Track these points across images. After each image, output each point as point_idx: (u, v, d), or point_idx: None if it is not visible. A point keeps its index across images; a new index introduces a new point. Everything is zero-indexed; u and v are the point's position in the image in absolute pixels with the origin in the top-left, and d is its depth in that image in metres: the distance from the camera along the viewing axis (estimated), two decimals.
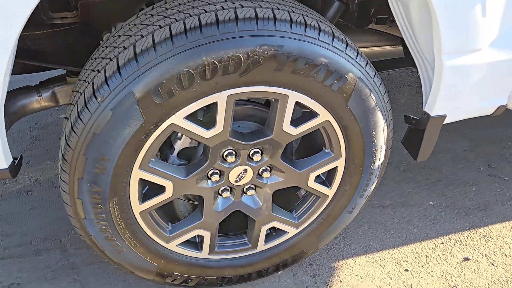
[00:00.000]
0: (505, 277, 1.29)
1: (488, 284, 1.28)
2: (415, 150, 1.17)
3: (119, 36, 0.89)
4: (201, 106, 0.89)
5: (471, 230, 1.45)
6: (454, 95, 1.05)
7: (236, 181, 1.08)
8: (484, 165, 1.74)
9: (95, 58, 0.91)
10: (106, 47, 0.90)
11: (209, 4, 0.87)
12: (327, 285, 1.28)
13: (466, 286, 1.27)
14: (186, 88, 0.84)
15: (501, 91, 1.13)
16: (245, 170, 1.06)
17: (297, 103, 0.96)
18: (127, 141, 0.87)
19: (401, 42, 1.43)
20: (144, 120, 0.85)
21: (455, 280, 1.29)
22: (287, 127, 0.99)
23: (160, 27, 0.83)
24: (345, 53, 0.91)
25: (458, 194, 1.60)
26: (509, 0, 0.96)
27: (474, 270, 1.32)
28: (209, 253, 1.17)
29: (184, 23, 0.82)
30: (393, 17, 1.24)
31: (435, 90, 1.04)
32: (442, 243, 1.41)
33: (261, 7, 0.86)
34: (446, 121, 1.12)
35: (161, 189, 1.01)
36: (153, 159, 0.95)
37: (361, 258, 1.36)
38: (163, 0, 0.93)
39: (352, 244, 1.40)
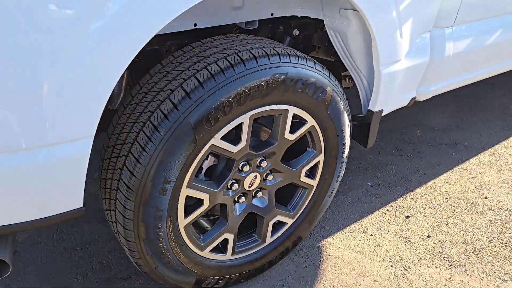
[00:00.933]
0: (436, 223, 1.75)
1: (427, 230, 1.72)
2: (365, 140, 1.57)
3: (160, 80, 1.09)
4: (232, 127, 1.14)
5: (402, 196, 1.90)
6: (388, 93, 1.47)
7: (249, 187, 1.32)
8: (394, 148, 2.25)
9: (137, 103, 1.09)
10: (148, 91, 1.09)
11: (225, 49, 1.13)
12: (320, 261, 1.58)
13: (414, 235, 1.69)
14: (226, 114, 1.08)
15: (412, 87, 1.60)
16: (255, 176, 1.32)
17: (293, 115, 1.26)
18: (183, 163, 1.07)
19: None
20: (197, 143, 1.07)
21: (405, 233, 1.70)
22: (287, 134, 1.28)
23: (197, 71, 1.07)
24: (323, 73, 1.26)
25: (384, 173, 2.06)
26: (412, 26, 1.41)
27: (415, 223, 1.76)
28: (232, 254, 1.38)
29: (217, 64, 1.07)
30: (320, 45, 1.65)
31: (376, 91, 1.45)
32: (387, 210, 1.83)
33: (264, 47, 1.16)
34: (383, 114, 1.54)
35: (199, 202, 1.21)
36: (195, 177, 1.16)
37: (336, 235, 1.69)
38: (188, 48, 1.16)
39: (325, 227, 1.73)
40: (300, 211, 1.49)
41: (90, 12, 0.81)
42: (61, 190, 0.97)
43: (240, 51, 1.11)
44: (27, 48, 0.80)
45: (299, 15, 1.48)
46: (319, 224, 1.73)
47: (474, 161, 2.15)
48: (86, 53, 0.83)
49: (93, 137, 0.93)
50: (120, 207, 1.08)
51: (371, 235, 1.70)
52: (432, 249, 1.62)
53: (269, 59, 1.12)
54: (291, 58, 1.17)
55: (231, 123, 1.12)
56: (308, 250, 1.62)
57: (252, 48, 1.13)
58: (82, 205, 1.01)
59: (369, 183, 1.99)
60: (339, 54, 1.50)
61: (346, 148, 1.46)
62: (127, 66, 0.90)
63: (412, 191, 1.94)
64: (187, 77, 1.06)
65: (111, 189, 1.10)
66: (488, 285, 1.47)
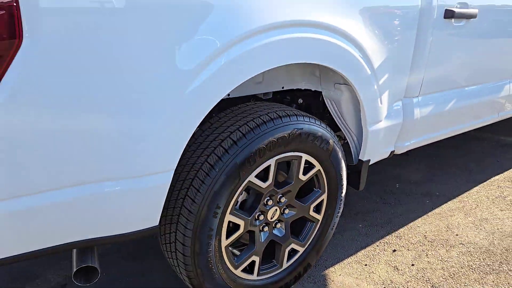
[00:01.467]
0: (417, 254, 2.11)
1: (411, 260, 2.07)
2: (357, 183, 1.97)
3: (211, 133, 1.48)
4: (263, 168, 1.52)
5: (388, 235, 2.27)
6: (373, 146, 1.91)
7: (271, 218, 1.68)
8: (378, 198, 2.65)
9: (196, 149, 1.47)
10: (203, 141, 1.48)
11: (257, 111, 1.55)
12: (325, 285, 1.89)
13: (400, 264, 2.04)
14: (261, 157, 1.48)
15: (391, 142, 2.04)
16: (276, 210, 1.68)
17: (305, 161, 1.66)
18: (230, 194, 1.44)
19: None
20: (240, 179, 1.45)
21: (393, 263, 2.05)
22: (301, 176, 1.67)
23: (240, 126, 1.47)
24: (326, 129, 1.68)
25: (372, 217, 2.44)
26: (389, 95, 1.89)
27: (400, 255, 2.11)
28: (257, 275, 1.70)
29: (254, 121, 1.48)
30: (317, 111, 2.10)
31: (364, 145, 1.88)
32: (377, 245, 2.18)
33: (285, 110, 1.59)
34: (370, 163, 1.96)
35: (236, 227, 1.56)
36: (236, 206, 1.52)
37: (336, 265, 2.03)
38: (229, 111, 1.57)
39: (327, 259, 2.07)
40: (309, 241, 1.84)
41: (186, 82, 1.22)
42: (145, 211, 1.31)
43: (269, 112, 1.53)
44: (140, 103, 1.19)
45: (302, 88, 1.94)
46: (322, 257, 2.07)
47: (445, 207, 2.56)
48: (181, 109, 1.22)
49: (174, 170, 1.30)
50: (181, 228, 1.42)
51: (366, 265, 2.03)
52: (416, 275, 1.97)
53: (289, 118, 1.54)
54: (304, 118, 1.60)
55: (262, 164, 1.51)
56: (315, 278, 1.94)
57: (277, 111, 1.56)
58: (157, 224, 1.35)
59: (360, 225, 2.35)
60: (334, 117, 1.94)
61: (343, 189, 1.85)
62: (200, 120, 1.30)
63: (396, 231, 2.31)
64: (233, 130, 1.46)
65: (172, 215, 1.44)
66: None
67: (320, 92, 1.94)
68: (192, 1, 1.20)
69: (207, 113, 1.29)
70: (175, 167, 1.30)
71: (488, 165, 3.16)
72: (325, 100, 1.94)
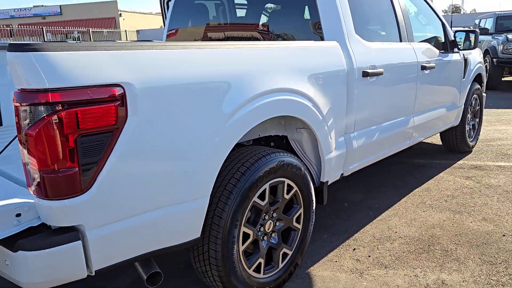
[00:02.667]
0: (371, 249, 2.81)
1: (368, 253, 2.76)
2: (321, 199, 2.66)
3: (226, 170, 2.10)
4: (262, 191, 2.16)
5: (347, 239, 2.95)
6: (329, 170, 2.63)
7: (268, 229, 2.30)
8: (334, 215, 3.35)
9: (220, 181, 2.07)
10: (223, 175, 2.08)
11: (254, 151, 2.20)
12: (310, 279, 2.50)
13: (361, 257, 2.71)
14: (260, 182, 2.11)
15: (340, 167, 2.78)
16: (270, 223, 2.31)
17: (287, 184, 2.32)
18: (243, 210, 2.04)
19: None
20: (249, 199, 2.06)
21: (356, 257, 2.72)
22: (285, 195, 2.33)
23: (244, 162, 2.11)
24: (298, 160, 2.37)
25: (332, 229, 3.11)
26: (335, 133, 2.65)
27: (359, 251, 2.79)
28: (263, 274, 2.27)
29: (253, 158, 2.13)
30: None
31: (323, 170, 2.59)
32: (341, 247, 2.85)
33: (271, 149, 2.26)
34: (328, 183, 2.67)
35: (247, 236, 2.14)
36: (246, 221, 2.12)
37: (315, 265, 2.65)
38: (234, 152, 2.20)
39: (306, 262, 2.68)
40: (295, 245, 2.46)
41: (220, 128, 1.86)
42: (193, 226, 1.88)
43: (262, 151, 2.19)
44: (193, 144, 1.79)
45: (273, 134, 2.64)
46: (303, 261, 2.68)
47: (384, 214, 3.33)
48: (217, 148, 1.85)
49: (209, 196, 1.90)
50: (213, 238, 1.98)
51: (336, 261, 2.68)
52: (372, 261, 2.65)
53: (275, 154, 2.21)
54: (283, 153, 2.28)
55: (261, 188, 2.15)
56: (301, 276, 2.54)
57: (266, 150, 2.22)
58: (200, 236, 1.91)
59: (325, 236, 3.02)
60: (297, 153, 2.65)
61: (314, 203, 2.53)
62: (223, 160, 1.92)
63: (352, 236, 3.01)
64: (240, 166, 2.09)
65: (205, 230, 2.00)
66: (405, 274, 2.52)
67: (285, 136, 2.65)
68: (224, 83, 1.88)
69: (226, 155, 1.93)
70: (210, 193, 1.90)
71: (409, 181, 4.05)
72: (290, 141, 2.65)
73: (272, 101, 2.11)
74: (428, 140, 5.58)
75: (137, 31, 27.69)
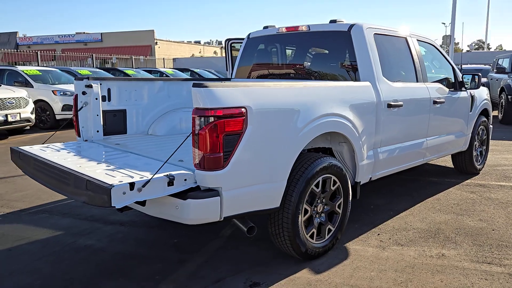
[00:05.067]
0: (391, 235, 3.78)
1: (389, 237, 3.74)
2: (355, 195, 3.67)
3: (298, 165, 3.16)
4: (316, 182, 3.19)
5: (373, 228, 3.93)
6: (361, 174, 3.66)
7: (319, 210, 3.32)
8: (363, 213, 4.34)
9: (292, 171, 3.12)
10: (295, 168, 3.14)
11: (314, 156, 3.26)
12: (346, 250, 3.49)
13: (383, 239, 3.69)
14: (317, 175, 3.15)
15: (369, 173, 3.80)
16: (321, 206, 3.33)
17: (333, 180, 3.35)
18: (306, 192, 3.08)
19: None
20: (309, 185, 3.10)
21: (379, 238, 3.70)
22: (331, 187, 3.35)
23: (307, 161, 3.17)
24: (341, 163, 3.41)
25: (362, 221, 4.10)
26: (367, 147, 3.69)
27: (382, 236, 3.77)
28: (315, 240, 3.28)
29: (313, 158, 3.18)
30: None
31: (357, 173, 3.62)
32: (368, 233, 3.84)
33: (324, 155, 3.31)
34: (361, 183, 3.69)
35: (306, 212, 3.17)
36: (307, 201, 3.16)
37: (349, 242, 3.64)
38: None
39: (342, 240, 3.67)
40: (336, 224, 3.46)
41: (296, 136, 2.93)
42: (276, 198, 2.92)
43: (318, 155, 3.25)
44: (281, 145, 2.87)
45: (321, 146, 3.69)
46: (340, 239, 3.67)
47: (402, 214, 4.30)
48: (293, 149, 2.92)
49: (286, 180, 2.95)
50: (286, 209, 3.01)
51: (365, 240, 3.67)
52: (392, 242, 3.62)
53: (327, 158, 3.26)
54: (332, 158, 3.32)
55: (317, 179, 3.19)
56: (340, 247, 3.54)
57: (322, 155, 3.27)
58: (279, 205, 2.96)
59: (356, 225, 4.01)
60: (339, 160, 3.69)
61: (350, 196, 3.54)
62: (298, 154, 2.99)
63: (376, 226, 3.99)
64: (304, 163, 3.14)
65: (281, 203, 3.04)
66: (416, 249, 3.49)
67: (330, 148, 3.71)
68: (299, 108, 2.96)
69: (298, 155, 3.00)
70: (287, 178, 2.96)
71: (423, 193, 5.01)
72: (333, 152, 3.70)
73: (326, 121, 3.19)
74: (442, 164, 6.53)
75: (174, 59, 29.56)
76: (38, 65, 17.00)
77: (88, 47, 37.81)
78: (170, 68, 24.86)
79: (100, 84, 3.75)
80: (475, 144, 5.76)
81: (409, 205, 4.58)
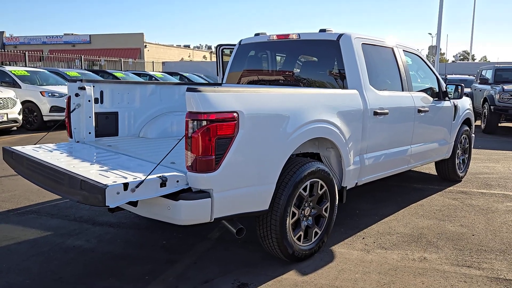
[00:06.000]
0: (376, 239, 3.89)
1: (374, 241, 3.84)
2: (341, 199, 3.78)
3: (287, 169, 3.25)
4: (304, 186, 3.29)
5: (358, 232, 4.04)
6: (348, 179, 3.76)
7: (306, 213, 3.41)
8: (348, 217, 4.45)
9: (281, 174, 3.21)
10: (284, 171, 3.23)
11: (302, 160, 3.35)
12: (332, 253, 3.58)
13: (367, 243, 3.80)
14: (304, 179, 3.24)
15: (355, 178, 3.91)
16: (308, 209, 3.42)
17: (320, 184, 3.45)
18: (293, 196, 3.17)
19: None
20: (297, 189, 3.19)
21: (364, 242, 3.81)
22: (318, 191, 3.45)
23: (296, 165, 3.26)
24: (328, 167, 3.51)
25: (347, 225, 4.21)
26: (353, 153, 3.80)
27: (367, 239, 3.87)
28: (302, 243, 3.37)
29: (300, 163, 3.28)
30: None
31: (343, 178, 3.73)
32: (353, 236, 3.94)
33: (312, 160, 3.41)
34: (347, 188, 3.80)
35: (294, 215, 3.26)
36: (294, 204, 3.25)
37: (334, 245, 3.73)
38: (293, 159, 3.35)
39: (328, 244, 3.77)
40: (323, 227, 3.56)
41: (285, 141, 3.02)
42: (265, 200, 3.00)
43: (306, 160, 3.34)
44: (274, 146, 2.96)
45: (309, 152, 3.79)
46: (326, 243, 3.77)
47: (386, 219, 4.41)
48: (282, 153, 3.01)
49: (275, 183, 3.04)
50: (274, 212, 3.09)
51: (350, 244, 3.77)
52: (377, 245, 3.73)
53: (315, 162, 3.36)
54: (319, 163, 3.42)
55: (304, 183, 3.28)
56: (326, 250, 3.63)
57: (310, 160, 3.37)
58: (267, 208, 3.04)
59: (342, 229, 4.11)
60: (326, 165, 3.79)
61: (337, 200, 3.64)
62: (288, 157, 3.08)
63: (361, 230, 4.09)
64: (293, 167, 3.24)
65: (269, 205, 3.12)
66: (399, 253, 3.61)
67: (318, 153, 3.81)
68: (288, 113, 3.06)
69: (287, 159, 3.09)
70: (276, 181, 3.05)
71: (407, 199, 5.14)
72: (321, 157, 3.80)
73: (315, 127, 3.29)
74: (425, 171, 6.70)
75: (163, 63, 29.55)
76: (25, 66, 16.86)
77: (76, 48, 37.54)
78: (159, 71, 24.85)
79: (93, 86, 3.80)
80: (458, 152, 5.93)
81: (394, 211, 4.71)
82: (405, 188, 5.68)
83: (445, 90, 5.34)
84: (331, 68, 4.19)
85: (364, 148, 3.96)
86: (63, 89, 11.35)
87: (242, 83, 4.85)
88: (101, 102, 3.92)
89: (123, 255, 3.51)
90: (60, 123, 4.33)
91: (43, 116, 10.84)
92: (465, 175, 6.21)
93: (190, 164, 2.65)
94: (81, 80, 3.72)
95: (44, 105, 10.83)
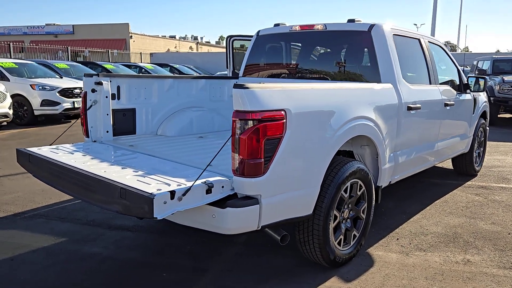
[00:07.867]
0: (411, 239, 3.72)
1: (409, 241, 3.67)
2: (377, 198, 3.58)
3: (329, 170, 3.04)
4: (345, 187, 3.08)
5: (391, 232, 3.87)
6: (383, 178, 3.57)
7: (345, 216, 3.21)
8: (377, 217, 4.27)
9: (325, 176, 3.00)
10: (327, 173, 3.01)
11: (343, 160, 3.14)
12: (370, 256, 3.40)
13: (403, 244, 3.62)
14: (346, 180, 3.04)
15: (390, 176, 3.72)
16: (347, 211, 3.22)
17: (359, 184, 3.25)
18: (336, 198, 2.97)
19: None
20: (339, 190, 2.98)
21: (400, 243, 3.63)
22: (358, 192, 3.25)
23: (337, 165, 3.05)
24: (367, 167, 3.31)
25: (378, 225, 4.02)
26: (388, 150, 3.60)
27: (401, 240, 3.70)
28: (342, 247, 3.17)
29: (342, 163, 3.07)
30: None
31: (379, 177, 3.53)
32: (387, 237, 3.76)
33: (353, 160, 3.20)
34: (382, 187, 3.61)
35: (335, 218, 3.06)
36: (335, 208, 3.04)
37: (370, 247, 3.55)
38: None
39: (364, 246, 3.58)
40: (360, 230, 3.36)
41: (331, 138, 2.80)
42: (309, 204, 2.79)
43: (347, 160, 3.13)
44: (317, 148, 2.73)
45: (341, 149, 3.58)
46: (363, 245, 3.58)
47: (414, 217, 4.25)
48: (328, 151, 2.79)
49: (320, 185, 2.82)
50: (317, 216, 2.88)
51: (386, 246, 3.59)
52: (413, 246, 3.56)
53: (355, 162, 3.15)
54: (359, 163, 3.22)
55: (346, 184, 3.08)
56: (363, 253, 3.44)
57: (351, 159, 3.16)
58: (311, 213, 2.82)
59: (373, 230, 3.93)
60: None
61: (373, 201, 3.45)
62: (332, 157, 2.86)
63: (393, 230, 3.92)
64: (334, 167, 3.02)
65: (313, 210, 2.91)
66: (440, 255, 3.44)
67: (351, 151, 3.60)
68: (334, 109, 2.83)
69: (332, 157, 2.87)
70: (321, 183, 2.83)
71: (429, 195, 4.99)
72: (355, 155, 3.59)
73: (357, 124, 3.08)
74: (440, 165, 6.57)
75: (151, 54, 28.92)
76: (10, 57, 16.22)
77: (59, 39, 36.45)
78: (148, 63, 24.28)
79: (110, 81, 3.51)
80: (475, 146, 5.80)
81: (419, 208, 4.55)
82: (423, 183, 5.53)
83: (466, 82, 5.18)
84: (361, 61, 3.97)
85: (398, 145, 3.77)
86: (53, 81, 10.90)
87: (262, 76, 4.60)
88: (118, 98, 3.63)
89: (146, 263, 3.26)
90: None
91: (34, 111, 10.39)
92: (480, 168, 6.11)
93: (237, 168, 2.41)
94: (97, 75, 3.43)
95: (35, 99, 10.37)
